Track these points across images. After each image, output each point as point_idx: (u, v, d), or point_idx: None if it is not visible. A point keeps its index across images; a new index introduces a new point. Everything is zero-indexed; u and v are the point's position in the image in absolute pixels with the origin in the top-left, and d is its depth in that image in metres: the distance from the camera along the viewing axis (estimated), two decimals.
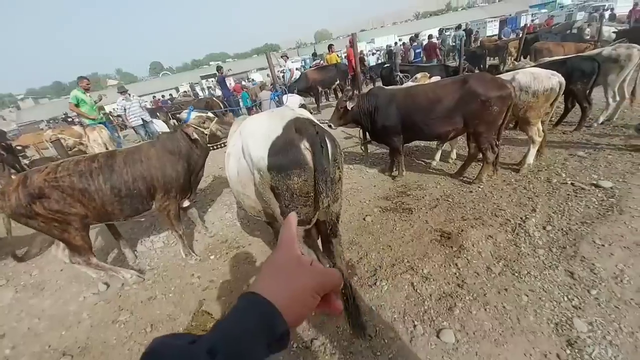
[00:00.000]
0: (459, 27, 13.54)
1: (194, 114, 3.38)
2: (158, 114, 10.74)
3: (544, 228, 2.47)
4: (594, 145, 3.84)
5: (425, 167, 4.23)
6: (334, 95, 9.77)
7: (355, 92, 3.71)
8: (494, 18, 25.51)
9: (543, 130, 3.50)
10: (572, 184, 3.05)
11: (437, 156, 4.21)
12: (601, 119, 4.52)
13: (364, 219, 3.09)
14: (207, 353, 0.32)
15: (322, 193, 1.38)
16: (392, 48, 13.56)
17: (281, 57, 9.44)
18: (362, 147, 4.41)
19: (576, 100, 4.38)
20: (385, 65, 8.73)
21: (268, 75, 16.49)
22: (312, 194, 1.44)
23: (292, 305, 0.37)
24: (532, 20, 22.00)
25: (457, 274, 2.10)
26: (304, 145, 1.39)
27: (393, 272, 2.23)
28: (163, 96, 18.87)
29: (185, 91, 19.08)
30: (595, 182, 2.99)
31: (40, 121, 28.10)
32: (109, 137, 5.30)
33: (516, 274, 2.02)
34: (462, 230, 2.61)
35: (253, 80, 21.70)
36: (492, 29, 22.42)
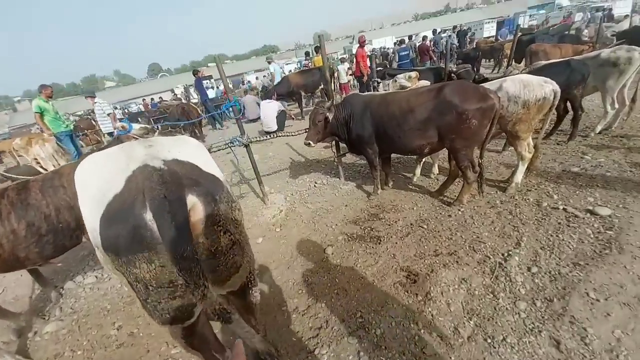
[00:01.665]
0: (453, 28, 13.16)
1: (136, 126, 3.00)
2: (139, 119, 10.37)
3: (529, 270, 2.05)
4: (591, 159, 3.43)
5: (405, 182, 3.83)
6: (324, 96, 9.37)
7: (332, 101, 3.31)
8: (492, 19, 25.14)
9: (535, 146, 3.09)
10: (564, 209, 2.63)
11: (418, 171, 3.81)
12: (599, 128, 4.09)
13: (324, 251, 2.68)
14: None
15: (187, 284, 0.93)
16: (389, 49, 13.09)
17: (266, 60, 9.01)
18: (336, 160, 4.01)
19: (573, 106, 3.97)
20: (378, 69, 8.33)
21: (257, 78, 16.12)
22: (180, 281, 0.95)
23: None
24: (530, 22, 21.66)
25: (417, 337, 1.68)
26: (149, 216, 0.89)
27: (340, 332, 1.81)
28: (152, 99, 18.44)
29: (174, 94, 18.63)
30: (591, 207, 2.57)
31: (33, 124, 27.62)
32: (54, 150, 4.88)
33: (489, 340, 1.60)
34: (432, 271, 2.19)
35: (249, 82, 21.40)
36: (490, 30, 22.04)
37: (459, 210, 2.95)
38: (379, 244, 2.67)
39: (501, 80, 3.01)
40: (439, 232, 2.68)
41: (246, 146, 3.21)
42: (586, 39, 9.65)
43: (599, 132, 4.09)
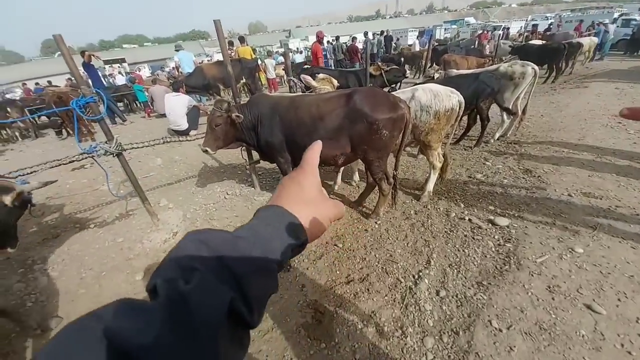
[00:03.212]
0: (381, 33, 13.71)
1: None
2: (9, 109, 8.06)
3: (438, 294, 1.92)
4: (491, 165, 3.65)
5: (326, 191, 3.53)
6: (247, 92, 8.57)
7: (229, 103, 2.76)
8: (415, 28, 27.46)
9: (444, 155, 3.10)
10: (470, 220, 2.65)
11: (338, 179, 3.57)
12: (497, 135, 4.50)
13: None
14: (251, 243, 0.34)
15: None
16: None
17: (175, 48, 7.80)
18: (248, 168, 3.50)
19: (481, 116, 4.21)
20: (305, 67, 7.99)
21: (164, 67, 14.32)
22: None
23: (311, 227, 0.41)
24: (445, 34, 24.31)
25: None
26: None
27: None
28: (37, 84, 14.73)
29: (71, 79, 15.27)
30: (492, 217, 2.64)
31: None
32: None
33: None
34: (340, 305, 1.90)
35: (173, 68, 19.09)
36: (413, 38, 23.99)
37: (376, 223, 2.77)
38: (289, 270, 2.29)
39: (413, 89, 2.92)
40: (353, 251, 2.44)
41: (117, 155, 2.45)
42: (487, 53, 11.08)
43: (498, 139, 4.49)
